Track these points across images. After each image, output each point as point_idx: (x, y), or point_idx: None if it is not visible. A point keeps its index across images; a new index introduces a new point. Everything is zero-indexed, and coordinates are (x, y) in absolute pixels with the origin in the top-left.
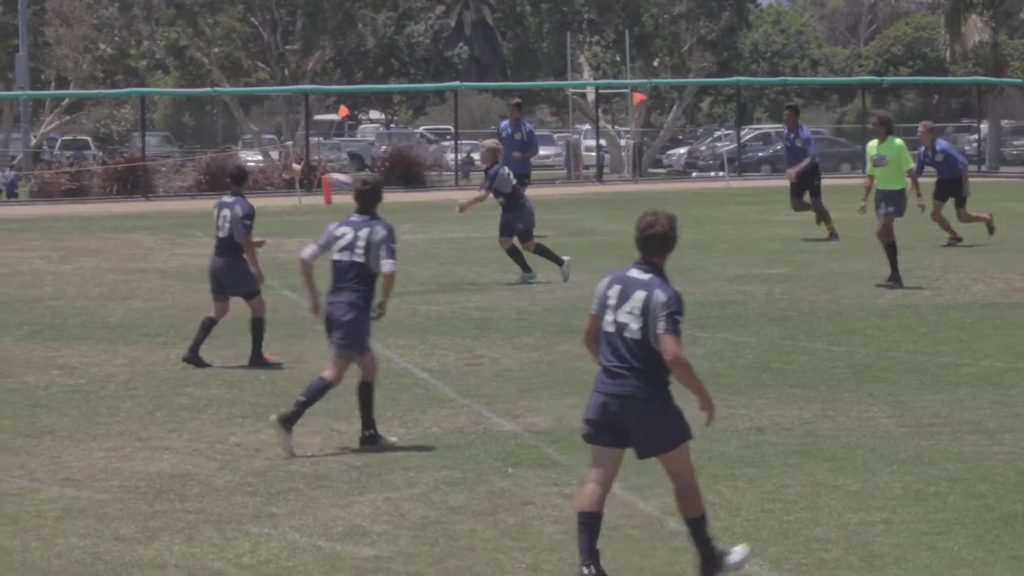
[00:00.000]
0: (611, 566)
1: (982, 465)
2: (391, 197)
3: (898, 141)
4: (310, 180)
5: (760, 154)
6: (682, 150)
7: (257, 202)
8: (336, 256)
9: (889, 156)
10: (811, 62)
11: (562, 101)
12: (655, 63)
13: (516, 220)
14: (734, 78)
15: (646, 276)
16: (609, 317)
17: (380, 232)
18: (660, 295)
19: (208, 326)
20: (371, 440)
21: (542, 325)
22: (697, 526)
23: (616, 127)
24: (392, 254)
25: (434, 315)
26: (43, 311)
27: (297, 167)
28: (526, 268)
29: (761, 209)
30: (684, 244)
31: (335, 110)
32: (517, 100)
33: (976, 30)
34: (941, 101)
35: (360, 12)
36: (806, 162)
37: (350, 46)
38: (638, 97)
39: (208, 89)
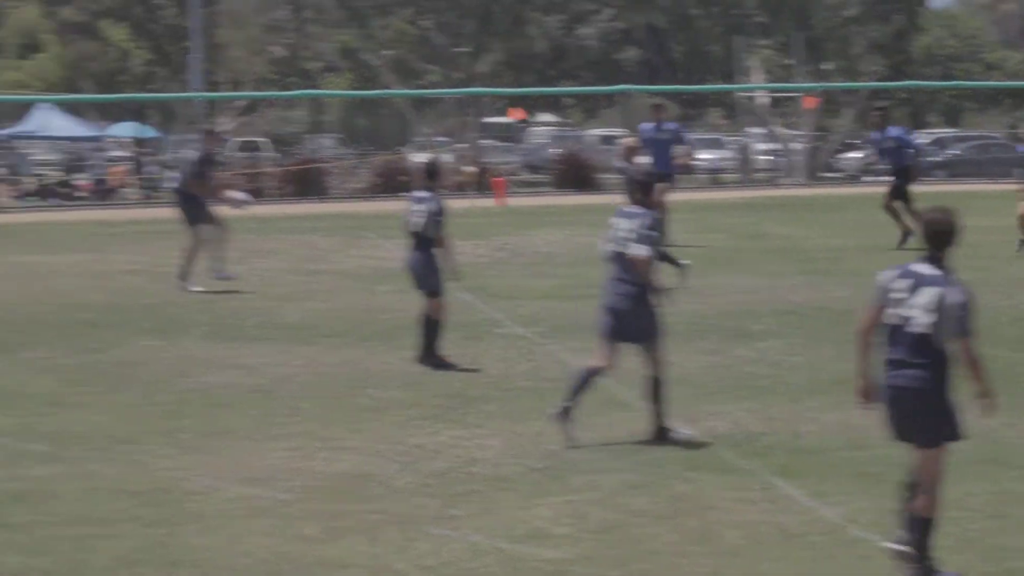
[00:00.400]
0: (790, 572)
1: None
2: (563, 200)
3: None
4: (482, 182)
5: (936, 159)
6: (856, 154)
7: None
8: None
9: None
10: (984, 66)
11: (732, 104)
12: (826, 66)
13: None
14: (906, 82)
15: (937, 272)
16: (897, 310)
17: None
18: (955, 295)
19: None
20: (661, 435)
21: (717, 329)
22: (917, 526)
23: (788, 130)
24: (644, 240)
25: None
26: (222, 312)
27: (471, 169)
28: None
29: None
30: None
31: (506, 113)
32: (659, 102)
33: None
34: None
35: (531, 15)
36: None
37: (520, 48)
38: (810, 101)
39: (379, 91)
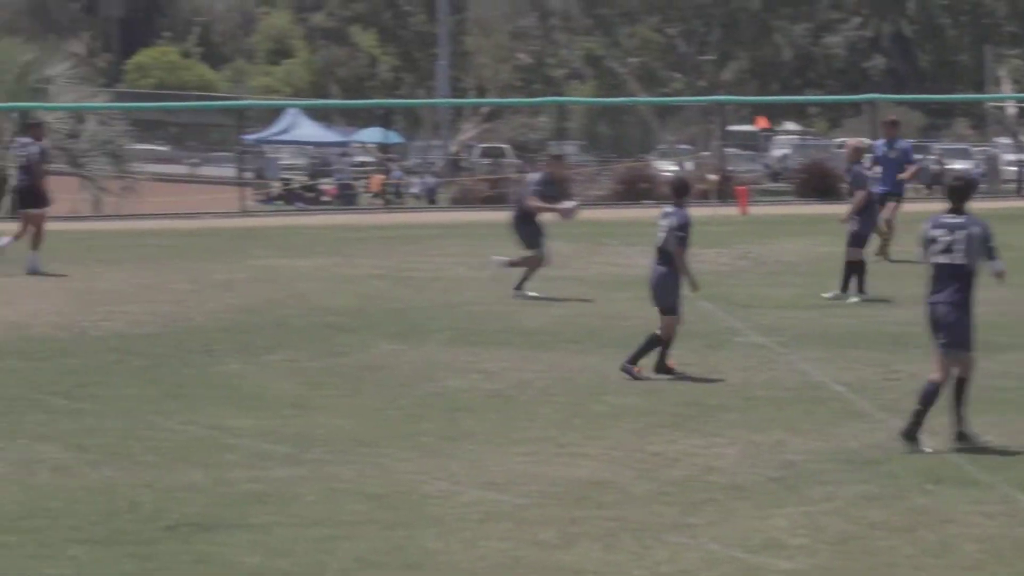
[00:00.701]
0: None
1: None
2: (805, 209)
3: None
4: (726, 191)
5: None
6: None
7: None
8: (936, 259)
9: None
10: None
11: (980, 114)
12: None
13: (860, 226)
14: None
15: None
16: None
17: (976, 231)
18: None
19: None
20: (961, 438)
21: None
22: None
23: None
24: (992, 253)
25: (849, 328)
26: (464, 316)
27: (714, 177)
28: (844, 288)
29: None
30: None
31: (751, 121)
32: (892, 118)
33: None
34: None
35: (776, 23)
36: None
37: (766, 57)
38: None
39: (624, 99)
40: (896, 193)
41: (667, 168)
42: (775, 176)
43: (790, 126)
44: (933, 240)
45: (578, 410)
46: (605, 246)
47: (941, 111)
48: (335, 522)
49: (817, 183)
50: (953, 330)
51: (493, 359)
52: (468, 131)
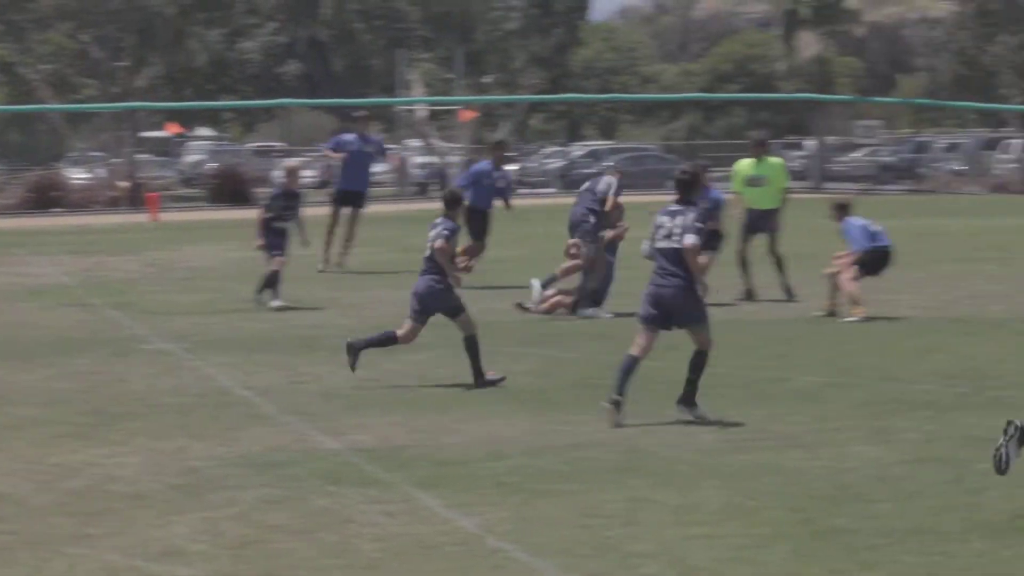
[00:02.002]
0: None
1: (801, 479)
2: (219, 215)
3: (776, 160)
4: (137, 197)
5: (590, 171)
6: (512, 167)
7: (81, 220)
8: (660, 244)
9: (769, 176)
10: (641, 79)
11: (391, 118)
12: (487, 80)
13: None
14: (564, 95)
15: None
16: None
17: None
18: None
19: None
20: (688, 402)
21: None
22: None
23: (447, 144)
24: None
25: (258, 333)
26: None
27: (124, 184)
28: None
29: None
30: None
31: (163, 127)
32: (364, 114)
33: (808, 46)
34: (769, 118)
35: (192, 28)
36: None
37: (180, 62)
38: (467, 115)
39: (34, 106)
40: (360, 193)
41: (78, 176)
42: (188, 182)
43: (204, 131)
44: (660, 226)
45: None
46: (13, 256)
47: (353, 115)
48: None
49: (230, 188)
50: (686, 309)
51: None
52: None
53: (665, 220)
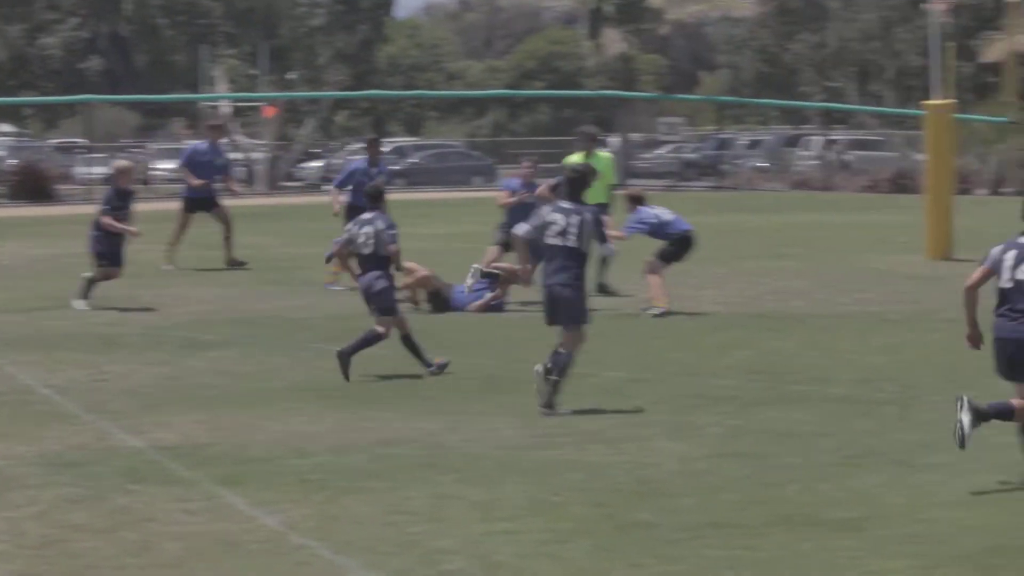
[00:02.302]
0: None
1: (604, 474)
2: (21, 212)
3: (605, 155)
4: None
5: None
6: (317, 163)
7: None
8: (552, 241)
9: (597, 170)
10: (447, 75)
11: (195, 114)
12: (291, 76)
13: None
14: (369, 91)
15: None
16: (1006, 276)
17: (588, 217)
18: None
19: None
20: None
21: (170, 340)
22: None
23: (251, 140)
24: (602, 237)
25: (61, 331)
26: None
27: None
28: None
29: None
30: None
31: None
32: (217, 122)
33: (612, 43)
34: (574, 114)
35: None
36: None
37: None
38: (270, 111)
39: None
40: (211, 199)
41: None
42: None
43: (5, 128)
44: (552, 223)
45: None
46: None
47: (157, 111)
48: None
49: (31, 185)
50: (570, 307)
51: None
52: None
53: (558, 217)
